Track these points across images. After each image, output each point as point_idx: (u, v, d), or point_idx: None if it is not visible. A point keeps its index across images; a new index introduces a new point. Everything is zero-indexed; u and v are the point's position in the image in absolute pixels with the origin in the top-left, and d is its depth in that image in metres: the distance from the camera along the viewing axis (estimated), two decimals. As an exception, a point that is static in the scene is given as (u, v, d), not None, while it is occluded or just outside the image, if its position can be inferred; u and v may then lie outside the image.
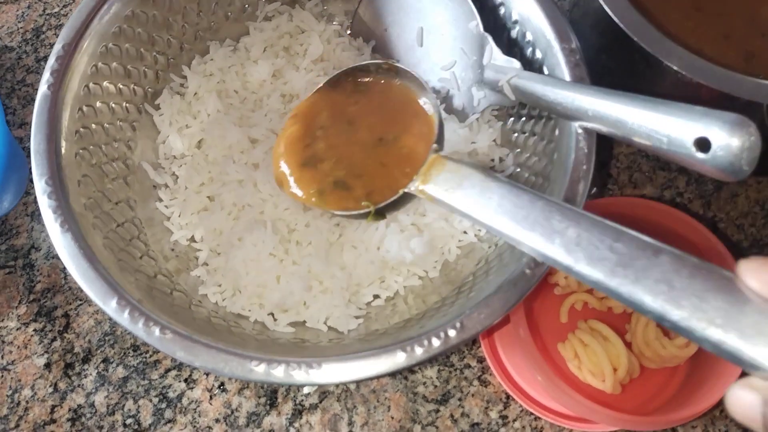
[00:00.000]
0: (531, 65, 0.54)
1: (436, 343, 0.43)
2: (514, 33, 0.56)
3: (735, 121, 0.38)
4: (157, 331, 0.44)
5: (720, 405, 0.58)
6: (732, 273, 0.30)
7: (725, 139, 0.38)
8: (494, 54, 0.53)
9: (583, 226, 0.36)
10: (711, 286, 0.30)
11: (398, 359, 0.43)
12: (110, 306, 0.45)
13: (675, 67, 0.53)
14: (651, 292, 0.32)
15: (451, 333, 0.43)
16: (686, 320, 0.30)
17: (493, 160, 0.59)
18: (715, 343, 0.29)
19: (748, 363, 0.28)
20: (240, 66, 0.63)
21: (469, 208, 0.42)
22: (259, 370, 0.43)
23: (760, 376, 0.28)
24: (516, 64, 0.52)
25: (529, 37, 0.54)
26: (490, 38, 0.53)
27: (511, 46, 0.56)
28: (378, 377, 0.45)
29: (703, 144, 0.39)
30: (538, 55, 0.53)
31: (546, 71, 0.53)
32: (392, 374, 0.58)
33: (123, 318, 0.44)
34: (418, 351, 0.43)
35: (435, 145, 0.48)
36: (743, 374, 0.51)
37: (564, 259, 0.36)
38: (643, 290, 0.32)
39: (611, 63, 0.61)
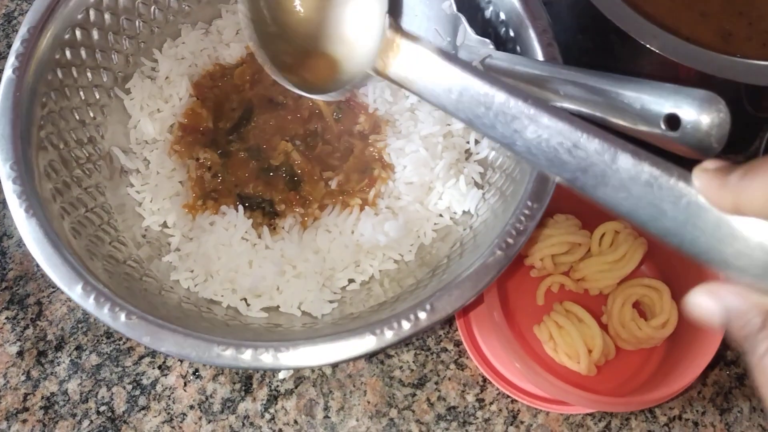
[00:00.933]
0: (504, 45, 0.54)
1: (406, 325, 0.43)
2: (487, 13, 0.55)
3: (704, 98, 0.38)
4: (122, 316, 0.43)
5: (697, 385, 0.58)
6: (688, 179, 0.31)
7: (694, 116, 0.37)
8: (467, 34, 0.52)
9: (543, 125, 0.36)
10: (666, 195, 0.31)
11: (368, 342, 0.42)
12: (75, 291, 0.44)
13: (651, 47, 0.52)
14: (613, 198, 0.33)
15: (421, 315, 0.43)
16: (652, 222, 0.32)
17: (468, 142, 0.58)
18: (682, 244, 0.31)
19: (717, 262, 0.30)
20: (212, 49, 0.62)
21: (430, 96, 0.42)
22: (226, 355, 0.42)
23: (730, 275, 0.29)
24: (489, 44, 0.51)
25: (502, 16, 0.53)
26: (463, 18, 0.53)
27: (485, 27, 0.55)
28: (348, 361, 0.45)
29: (672, 121, 0.38)
30: (512, 34, 0.53)
31: (519, 51, 0.52)
32: (363, 357, 0.57)
33: (88, 303, 0.44)
34: (388, 334, 0.43)
35: (387, 19, 0.44)
36: (719, 353, 0.51)
37: (530, 160, 0.37)
38: (605, 195, 0.33)
39: (588, 43, 0.60)
